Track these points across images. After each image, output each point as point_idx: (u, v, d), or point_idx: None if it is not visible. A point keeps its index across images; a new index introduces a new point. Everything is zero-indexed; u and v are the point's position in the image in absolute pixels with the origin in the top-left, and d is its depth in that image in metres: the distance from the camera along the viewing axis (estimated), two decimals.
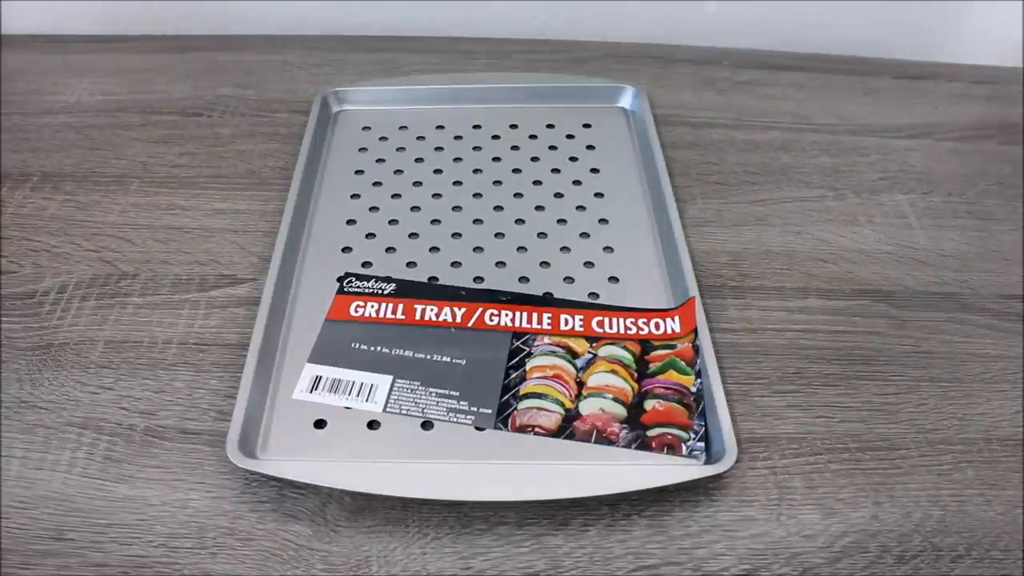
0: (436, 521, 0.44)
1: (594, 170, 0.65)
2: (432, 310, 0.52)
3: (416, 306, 0.53)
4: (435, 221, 0.60)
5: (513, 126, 0.69)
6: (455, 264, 0.56)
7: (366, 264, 0.56)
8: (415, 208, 0.61)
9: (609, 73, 0.76)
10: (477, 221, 0.60)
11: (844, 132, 0.72)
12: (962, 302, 0.57)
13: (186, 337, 0.53)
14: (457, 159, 0.65)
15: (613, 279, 0.55)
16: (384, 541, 0.43)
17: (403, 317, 0.52)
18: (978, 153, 0.70)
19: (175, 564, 0.42)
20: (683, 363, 0.49)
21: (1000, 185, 0.67)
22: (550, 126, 0.69)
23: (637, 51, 0.79)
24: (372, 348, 0.50)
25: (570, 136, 0.68)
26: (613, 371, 0.49)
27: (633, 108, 0.71)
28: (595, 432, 0.46)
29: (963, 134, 0.71)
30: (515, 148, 0.67)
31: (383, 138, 0.67)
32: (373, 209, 0.60)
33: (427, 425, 0.46)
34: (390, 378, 0.48)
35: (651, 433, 0.46)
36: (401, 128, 0.69)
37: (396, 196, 0.62)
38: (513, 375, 0.49)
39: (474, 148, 0.67)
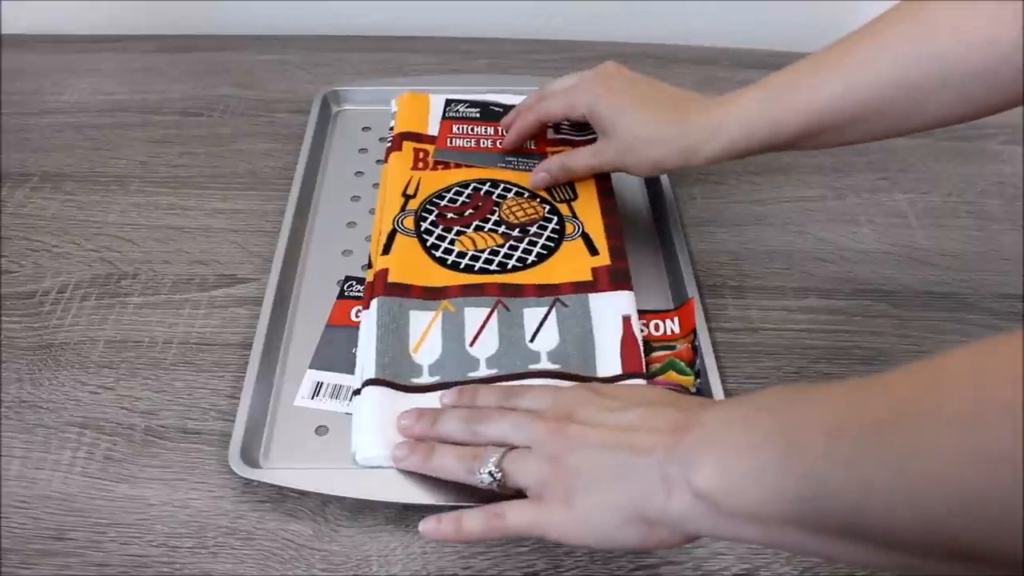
0: None
1: None
2: None
3: None
4: None
5: None
6: None
7: (366, 267, 0.56)
8: None
9: None
10: None
11: None
12: (962, 302, 0.57)
13: (186, 337, 0.53)
14: None
15: None
16: (384, 541, 0.43)
17: None
18: (978, 153, 0.70)
19: (175, 564, 0.42)
20: (683, 364, 0.49)
21: (1000, 185, 0.67)
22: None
23: (637, 51, 0.79)
24: None
25: None
26: None
27: None
28: None
29: (963, 134, 0.71)
30: None
31: (383, 138, 0.67)
32: (373, 212, 0.60)
33: None
34: None
35: None
36: None
37: None
38: None
39: None
